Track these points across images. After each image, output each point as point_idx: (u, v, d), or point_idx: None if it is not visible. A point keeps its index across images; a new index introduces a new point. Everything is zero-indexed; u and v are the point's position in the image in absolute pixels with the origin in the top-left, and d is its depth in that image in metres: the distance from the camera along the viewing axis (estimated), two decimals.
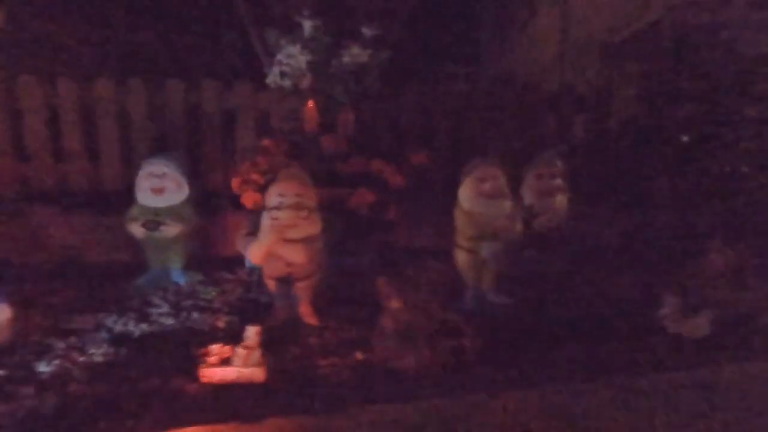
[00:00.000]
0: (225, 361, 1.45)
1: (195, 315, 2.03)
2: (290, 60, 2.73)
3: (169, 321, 1.98)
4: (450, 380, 1.45)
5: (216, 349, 1.49)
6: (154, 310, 2.09)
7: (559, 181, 2.63)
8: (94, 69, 3.17)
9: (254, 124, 3.12)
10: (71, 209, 2.97)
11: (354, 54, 2.76)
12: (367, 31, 2.78)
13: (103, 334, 1.83)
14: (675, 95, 3.13)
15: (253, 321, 1.72)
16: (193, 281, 2.45)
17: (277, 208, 1.78)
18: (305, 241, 1.83)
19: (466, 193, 2.09)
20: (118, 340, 1.79)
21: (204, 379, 1.41)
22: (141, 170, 2.43)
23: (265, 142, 2.86)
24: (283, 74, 2.78)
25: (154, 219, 2.35)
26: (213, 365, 1.44)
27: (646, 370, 1.64)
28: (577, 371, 1.60)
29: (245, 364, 1.42)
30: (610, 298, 2.18)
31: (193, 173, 2.68)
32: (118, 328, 1.91)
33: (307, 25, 2.67)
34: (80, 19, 3.21)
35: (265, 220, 1.81)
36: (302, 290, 1.92)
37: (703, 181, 2.82)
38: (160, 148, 3.03)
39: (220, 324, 1.93)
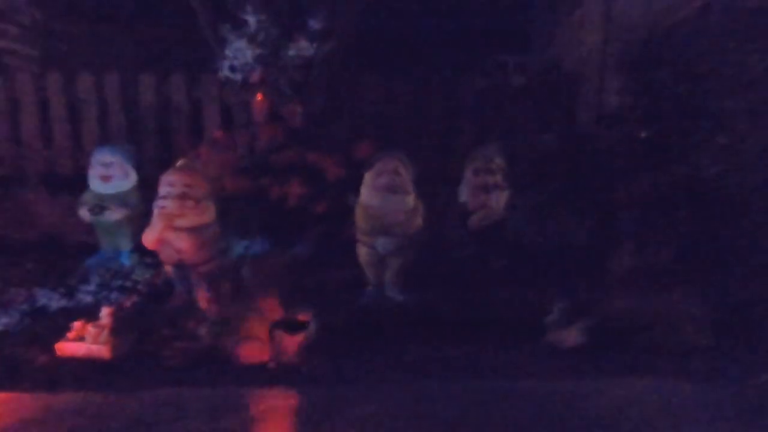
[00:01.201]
0: (81, 338, 1.57)
1: (113, 295, 2.20)
2: (238, 54, 2.81)
3: (87, 299, 2.15)
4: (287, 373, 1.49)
5: (78, 325, 1.62)
6: (81, 287, 2.28)
7: (497, 178, 2.53)
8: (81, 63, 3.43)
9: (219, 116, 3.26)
10: (57, 191, 3.29)
11: (300, 47, 2.80)
12: (313, 24, 2.80)
13: (22, 306, 2.03)
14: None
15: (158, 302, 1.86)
16: (135, 263, 2.63)
17: (165, 197, 1.88)
18: (193, 230, 1.92)
19: (364, 187, 2.08)
20: (30, 312, 1.98)
21: (57, 352, 1.55)
22: (92, 159, 2.64)
23: (216, 133, 2.99)
24: (233, 68, 2.87)
25: (98, 204, 2.55)
26: (69, 340, 1.57)
27: (508, 375, 1.59)
28: (427, 371, 1.57)
29: (94, 342, 1.53)
30: (511, 300, 2.08)
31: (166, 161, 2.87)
32: (41, 302, 2.11)
33: (253, 21, 2.73)
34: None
35: (156, 209, 1.92)
36: (197, 276, 2.01)
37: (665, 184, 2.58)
38: (135, 136, 3.27)
39: (127, 304, 2.08)
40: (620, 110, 3.24)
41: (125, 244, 2.67)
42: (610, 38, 6.51)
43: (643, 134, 2.60)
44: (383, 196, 2.02)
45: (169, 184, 1.90)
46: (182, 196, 1.88)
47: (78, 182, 3.33)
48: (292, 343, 1.49)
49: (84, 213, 2.59)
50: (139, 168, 2.72)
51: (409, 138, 3.07)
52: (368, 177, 2.06)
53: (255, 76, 2.87)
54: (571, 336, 1.62)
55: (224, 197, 2.54)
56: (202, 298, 2.02)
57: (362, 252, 2.12)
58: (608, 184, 2.91)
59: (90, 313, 1.89)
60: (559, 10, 7.88)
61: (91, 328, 1.56)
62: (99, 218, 2.57)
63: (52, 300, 2.13)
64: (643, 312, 1.72)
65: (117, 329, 1.58)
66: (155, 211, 1.93)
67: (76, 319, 1.85)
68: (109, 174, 2.59)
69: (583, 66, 6.90)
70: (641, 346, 1.64)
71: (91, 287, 2.29)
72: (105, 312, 1.61)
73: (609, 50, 6.53)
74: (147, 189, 2.59)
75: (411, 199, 2.07)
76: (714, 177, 2.43)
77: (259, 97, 2.86)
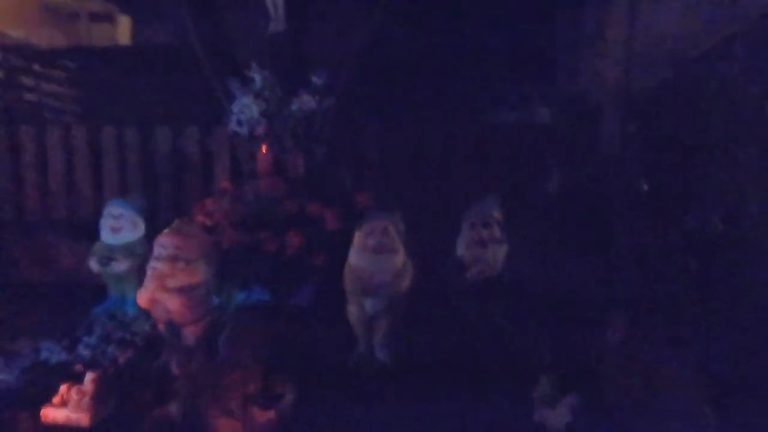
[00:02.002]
0: (65, 403, 1.59)
1: (110, 349, 2.23)
2: (244, 110, 2.90)
3: (86, 353, 2.19)
4: None
5: (63, 389, 1.64)
6: (85, 340, 2.33)
7: (494, 231, 2.47)
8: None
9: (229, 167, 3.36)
10: (79, 236, 3.43)
11: (303, 102, 2.86)
12: (316, 80, 2.87)
13: (24, 361, 2.09)
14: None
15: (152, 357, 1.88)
16: (139, 311, 2.68)
17: (157, 258, 1.92)
18: (183, 290, 1.94)
19: (353, 247, 2.06)
20: (31, 368, 2.03)
21: (42, 418, 1.57)
22: (104, 211, 2.74)
23: (223, 184, 3.07)
24: (239, 122, 2.96)
25: (106, 255, 2.64)
26: (54, 405, 1.59)
27: None
28: None
29: (75, 408, 1.55)
30: (503, 363, 1.99)
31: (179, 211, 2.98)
32: (43, 355, 2.17)
33: (258, 78, 2.82)
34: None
35: (149, 270, 1.96)
36: (188, 335, 2.02)
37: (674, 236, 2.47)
38: (151, 186, 3.40)
39: (121, 360, 2.11)
40: (626, 156, 3.16)
41: (131, 293, 2.74)
42: (631, 72, 6.42)
43: (645, 186, 2.50)
44: (371, 257, 2.00)
45: (161, 245, 1.94)
46: (173, 258, 1.91)
47: (97, 227, 3.51)
48: (265, 418, 1.46)
49: (93, 264, 2.68)
50: (151, 217, 2.82)
51: (410, 187, 3.06)
52: (357, 237, 2.05)
53: (260, 130, 2.95)
54: (559, 418, 1.52)
55: (224, 248, 2.59)
56: (177, 368, 2.03)
57: (351, 311, 2.09)
58: (612, 232, 2.80)
59: (82, 372, 1.93)
60: (582, 40, 7.86)
61: (73, 394, 1.57)
62: (106, 269, 2.65)
63: (53, 353, 2.18)
64: (636, 387, 1.61)
65: (98, 395, 1.59)
66: (148, 272, 1.97)
67: (69, 377, 1.90)
68: (119, 226, 2.68)
69: (604, 100, 6.81)
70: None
71: (93, 340, 2.34)
72: (89, 377, 1.62)
73: (630, 85, 6.44)
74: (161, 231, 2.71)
75: (400, 260, 2.04)
76: (721, 232, 2.31)
77: (263, 149, 2.92)
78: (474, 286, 2.44)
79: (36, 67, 7.42)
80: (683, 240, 2.44)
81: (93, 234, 3.41)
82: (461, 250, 2.49)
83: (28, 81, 7.21)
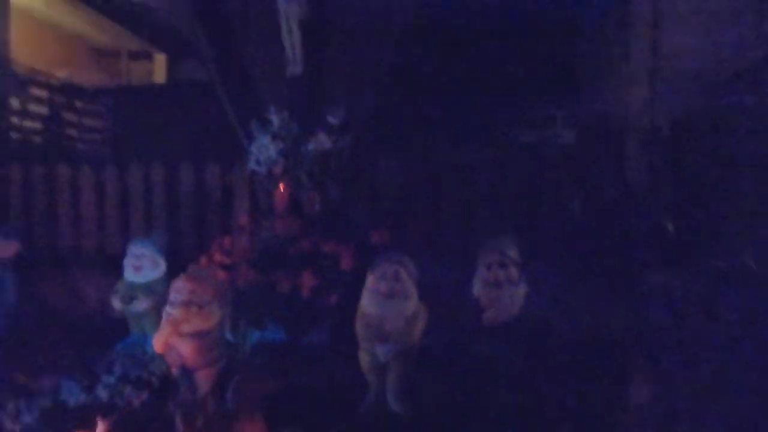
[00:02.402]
0: None
1: (128, 390, 2.25)
2: (262, 149, 2.96)
3: (104, 394, 2.21)
4: None
5: None
6: (104, 379, 2.36)
7: (511, 272, 2.39)
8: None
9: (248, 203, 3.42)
10: (106, 271, 3.53)
11: (319, 141, 2.90)
12: (332, 120, 2.90)
13: (44, 401, 2.12)
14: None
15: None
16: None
17: (172, 304, 1.94)
18: (195, 335, 1.95)
19: (365, 291, 2.03)
20: (50, 409, 2.06)
21: None
22: (127, 250, 2.81)
23: (241, 220, 3.11)
24: (258, 162, 3.02)
25: (128, 294, 2.69)
26: None
27: None
28: None
29: None
30: (519, 412, 1.89)
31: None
32: (63, 395, 2.19)
33: (276, 120, 2.88)
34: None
35: (164, 315, 1.98)
36: (201, 379, 2.02)
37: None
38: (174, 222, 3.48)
39: (135, 402, 2.11)
40: (652, 190, 3.04)
41: (151, 331, 2.77)
42: (658, 95, 6.28)
43: (670, 227, 2.38)
44: (382, 302, 1.96)
45: (176, 291, 1.96)
46: (187, 303, 1.92)
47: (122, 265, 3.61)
48: None
49: (115, 302, 2.74)
50: (173, 253, 2.88)
51: (426, 224, 3.02)
52: (369, 281, 2.02)
53: (277, 169, 3.00)
54: None
55: (240, 287, 2.60)
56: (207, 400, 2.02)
57: (362, 358, 2.04)
58: (638, 270, 2.67)
59: (101, 414, 1.94)
60: (607, 61, 7.78)
61: None
62: (128, 307, 2.70)
63: (73, 394, 2.21)
64: None
65: None
66: (163, 317, 1.98)
67: (85, 422, 1.91)
68: (140, 265, 2.74)
69: (631, 124, 6.66)
70: None
71: (112, 379, 2.35)
72: (100, 428, 1.62)
73: (657, 103, 6.29)
74: (182, 269, 2.76)
75: (412, 305, 1.99)
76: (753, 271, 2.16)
77: (281, 187, 2.96)
78: (491, 330, 2.36)
79: (78, 104, 7.85)
80: (712, 280, 2.30)
81: (119, 269, 3.55)
82: (477, 290, 2.42)
83: (70, 117, 7.62)
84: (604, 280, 2.54)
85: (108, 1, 8.74)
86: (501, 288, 2.35)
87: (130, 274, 2.76)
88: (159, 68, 10.48)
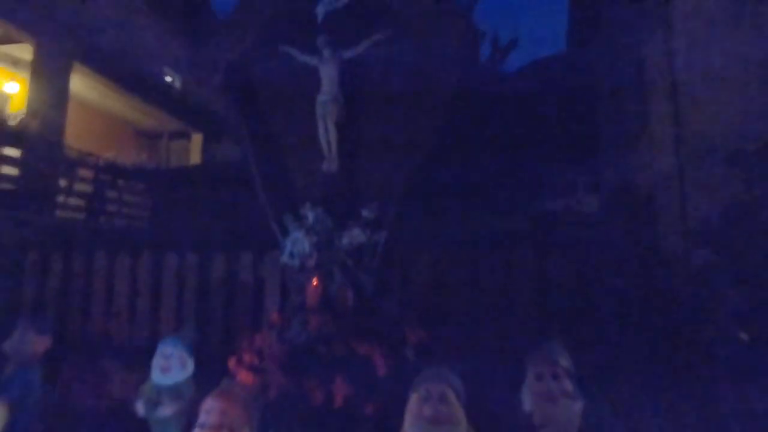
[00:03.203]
0: None
1: None
2: (297, 243, 2.90)
3: None
4: None
5: None
6: None
7: (565, 384, 2.14)
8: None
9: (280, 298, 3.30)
10: (132, 363, 3.39)
11: (353, 235, 2.83)
12: (366, 214, 2.85)
13: None
14: None
15: None
16: None
17: (202, 426, 1.77)
18: None
19: (408, 412, 1.82)
20: None
21: None
22: (157, 349, 2.69)
23: (273, 316, 2.98)
24: (291, 255, 2.95)
25: (153, 399, 2.53)
26: None
27: None
28: None
29: None
30: None
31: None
32: None
33: (311, 215, 2.85)
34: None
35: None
36: None
37: None
38: (203, 313, 3.38)
39: None
40: (710, 267, 2.80)
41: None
42: (686, 161, 6.10)
43: (744, 336, 2.14)
44: (428, 428, 1.75)
45: (206, 411, 1.80)
46: (218, 427, 1.75)
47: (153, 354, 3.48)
48: None
49: (140, 407, 2.58)
50: (201, 348, 2.74)
51: (464, 324, 2.83)
52: (412, 401, 1.82)
53: (310, 262, 2.91)
54: None
55: (271, 398, 2.41)
56: None
57: None
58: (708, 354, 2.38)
59: None
60: (627, 129, 7.74)
61: None
62: (152, 414, 2.53)
63: None
64: None
65: None
66: None
67: None
68: (168, 365, 2.60)
69: (660, 189, 6.46)
70: None
71: None
72: None
73: (687, 175, 6.09)
74: (210, 367, 2.61)
75: (461, 430, 1.77)
76: None
77: (314, 282, 2.85)
78: None
79: (120, 182, 8.18)
80: None
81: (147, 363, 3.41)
82: (528, 405, 2.17)
83: (112, 194, 7.92)
84: (671, 392, 2.25)
85: (152, 89, 9.41)
86: (556, 403, 2.09)
87: (157, 375, 2.62)
88: (196, 147, 11.03)
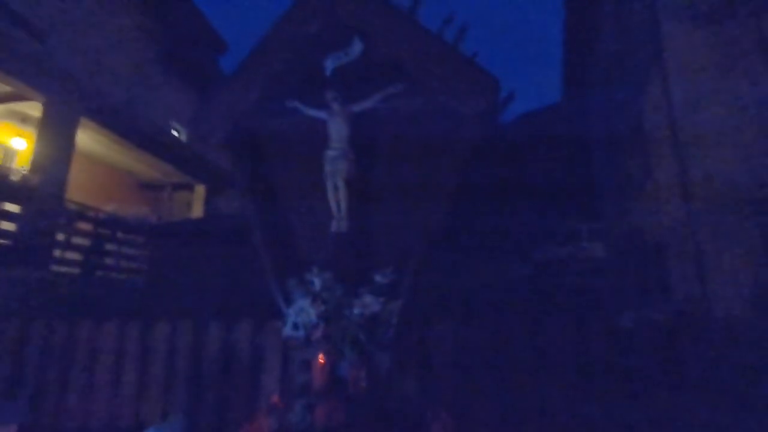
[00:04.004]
0: None
1: None
2: (301, 313, 2.55)
3: None
4: None
5: None
6: None
7: None
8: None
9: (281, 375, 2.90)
10: None
11: (365, 304, 2.48)
12: (380, 279, 2.52)
13: None
14: None
15: None
16: None
17: None
18: None
19: None
20: None
21: None
22: None
23: (273, 399, 2.57)
24: (296, 326, 2.59)
25: None
26: None
27: None
28: None
29: None
30: None
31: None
32: None
33: (318, 281, 2.52)
34: None
35: None
36: None
37: None
38: (197, 386, 2.96)
39: None
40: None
41: None
42: (696, 209, 5.83)
43: None
44: None
45: None
46: None
47: None
48: None
49: None
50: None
51: (496, 402, 2.42)
52: None
53: (317, 334, 2.55)
54: None
55: None
56: None
57: None
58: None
59: None
60: (630, 180, 7.55)
61: None
62: None
63: None
64: None
65: None
66: None
67: None
68: None
69: (670, 238, 6.13)
70: None
71: None
72: None
73: (697, 222, 5.79)
74: None
75: None
76: None
77: (321, 359, 2.47)
78: None
79: (119, 235, 7.90)
80: None
81: None
82: None
83: (111, 247, 7.61)
84: None
85: (158, 142, 9.34)
86: None
87: None
88: (199, 197, 10.85)
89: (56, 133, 7.17)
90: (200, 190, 10.85)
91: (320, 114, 2.78)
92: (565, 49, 10.09)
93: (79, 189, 8.23)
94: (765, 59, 5.51)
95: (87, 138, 8.19)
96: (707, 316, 4.83)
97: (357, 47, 2.80)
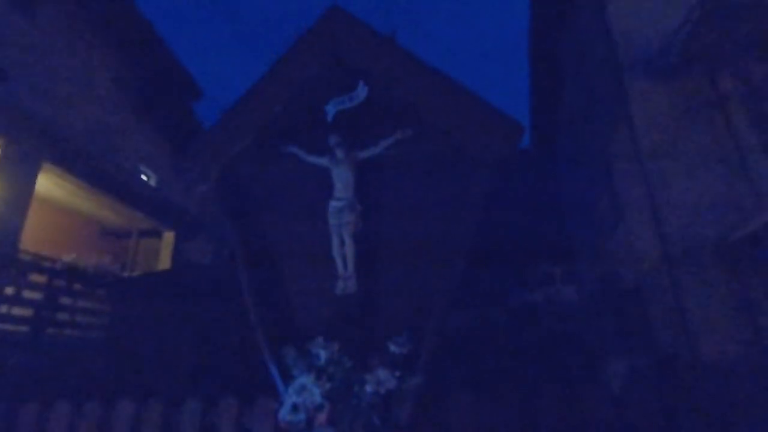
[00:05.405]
0: None
1: None
2: (303, 392, 2.10)
3: None
4: None
5: None
6: None
7: None
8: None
9: None
10: None
11: (379, 380, 2.07)
12: (395, 348, 2.13)
13: None
14: None
15: None
16: None
17: None
18: None
19: None
20: None
21: None
22: None
23: None
24: (295, 407, 2.13)
25: None
26: None
27: None
28: None
29: None
30: None
31: None
32: None
33: (323, 353, 2.10)
34: None
35: None
36: None
37: None
38: None
39: None
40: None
41: None
42: (671, 254, 5.79)
43: None
44: None
45: None
46: None
47: None
48: None
49: None
50: None
51: None
52: None
53: (322, 418, 2.10)
54: None
55: None
56: None
57: None
58: None
59: None
60: (601, 224, 7.57)
61: None
62: None
63: None
64: None
65: None
66: None
67: None
68: None
69: (648, 280, 6.02)
70: None
71: None
72: None
73: (674, 266, 5.73)
74: None
75: None
76: None
77: None
78: None
79: (77, 287, 7.08)
80: None
81: None
82: None
83: (66, 301, 6.76)
84: None
85: (124, 188, 8.73)
86: None
87: None
88: (167, 245, 10.11)
89: (14, 175, 6.51)
90: (169, 236, 10.14)
91: (321, 161, 2.47)
92: (531, 98, 10.43)
93: (35, 238, 7.45)
94: (723, 114, 5.76)
95: (49, 182, 7.51)
96: (695, 361, 4.65)
97: (362, 92, 2.55)
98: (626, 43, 5.40)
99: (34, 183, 6.88)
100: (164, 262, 9.66)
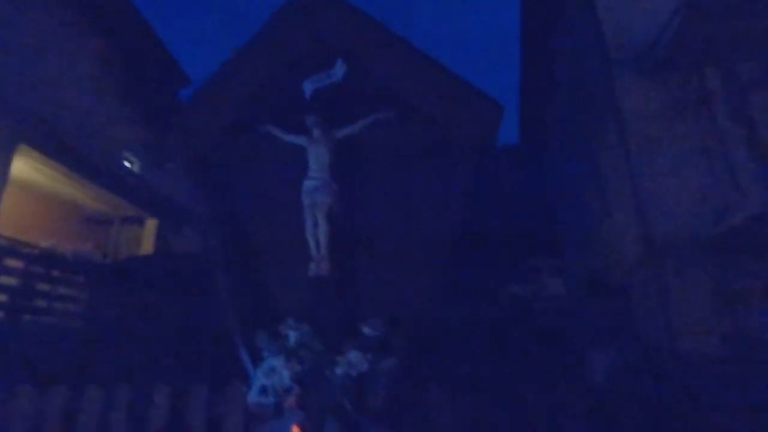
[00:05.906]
0: None
1: None
2: (272, 374, 2.03)
3: None
4: None
5: None
6: None
7: None
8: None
9: None
10: None
11: (351, 362, 2.01)
12: (369, 332, 2.07)
13: None
14: None
15: None
16: None
17: None
18: None
19: None
20: None
21: None
22: None
23: None
24: (263, 390, 2.06)
25: None
26: None
27: None
28: None
29: None
30: None
31: None
32: None
33: (293, 335, 2.03)
34: None
35: None
36: None
37: None
38: None
39: None
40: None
41: None
42: (656, 250, 5.84)
43: None
44: None
45: None
46: None
47: None
48: None
49: None
50: None
51: None
52: None
53: (291, 400, 2.04)
54: None
55: None
56: None
57: None
58: None
59: None
60: (589, 218, 7.63)
61: None
62: None
63: None
64: None
65: None
66: None
67: None
68: None
69: (631, 274, 6.08)
70: None
71: None
72: None
73: (658, 262, 5.79)
74: None
75: None
76: None
77: (295, 431, 1.95)
78: None
79: (55, 273, 6.89)
80: None
81: None
82: None
83: (44, 287, 6.58)
84: None
85: (107, 174, 8.51)
86: None
87: None
88: (149, 233, 9.91)
89: None
90: (151, 224, 9.94)
91: (299, 140, 2.39)
92: (521, 92, 10.41)
93: (12, 221, 7.22)
94: (707, 109, 5.79)
95: (26, 166, 7.27)
96: (677, 352, 4.70)
97: (340, 69, 2.47)
98: (616, 37, 5.37)
99: (9, 166, 6.65)
100: (147, 249, 9.47)
